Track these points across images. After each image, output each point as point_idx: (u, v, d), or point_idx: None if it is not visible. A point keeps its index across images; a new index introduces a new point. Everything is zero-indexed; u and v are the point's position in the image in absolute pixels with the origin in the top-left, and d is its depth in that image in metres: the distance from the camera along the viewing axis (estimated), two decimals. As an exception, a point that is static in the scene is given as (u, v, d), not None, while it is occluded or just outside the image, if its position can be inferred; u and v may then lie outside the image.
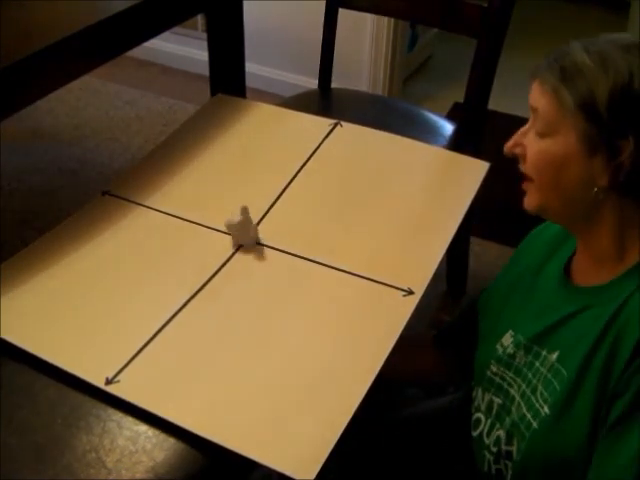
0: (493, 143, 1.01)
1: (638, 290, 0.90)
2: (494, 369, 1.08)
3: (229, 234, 1.20)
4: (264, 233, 1.21)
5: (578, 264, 1.03)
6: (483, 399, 1.09)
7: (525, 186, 0.99)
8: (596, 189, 0.91)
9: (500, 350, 1.07)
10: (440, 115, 1.94)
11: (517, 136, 0.99)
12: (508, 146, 1.00)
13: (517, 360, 1.04)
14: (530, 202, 0.99)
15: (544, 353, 0.99)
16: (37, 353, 1.00)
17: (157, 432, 0.92)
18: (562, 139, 0.92)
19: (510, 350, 1.05)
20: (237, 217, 1.15)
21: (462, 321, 1.28)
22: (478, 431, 1.08)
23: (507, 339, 1.06)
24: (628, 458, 0.85)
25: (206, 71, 1.88)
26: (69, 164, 2.62)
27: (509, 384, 1.04)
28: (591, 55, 0.89)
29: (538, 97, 0.94)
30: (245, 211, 1.15)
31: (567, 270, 1.04)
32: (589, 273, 0.99)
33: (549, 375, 0.97)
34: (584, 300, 0.96)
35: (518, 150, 0.99)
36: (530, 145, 0.96)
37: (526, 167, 0.98)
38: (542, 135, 0.94)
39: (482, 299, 1.22)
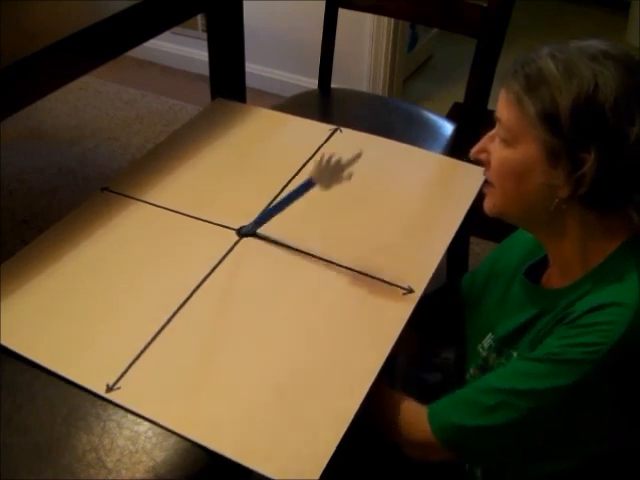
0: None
1: (592, 291, 0.90)
2: (472, 372, 1.09)
3: (228, 228, 1.20)
4: (263, 229, 1.21)
5: (548, 270, 1.04)
6: None
7: (486, 189, 0.99)
8: (557, 200, 0.90)
9: (480, 352, 1.08)
10: (440, 115, 1.94)
11: (483, 141, 0.98)
12: (473, 152, 0.99)
13: (490, 362, 1.05)
14: (490, 206, 0.99)
15: (515, 355, 1.00)
16: (37, 360, 0.99)
17: (157, 432, 0.91)
18: (524, 149, 0.91)
19: (484, 354, 1.07)
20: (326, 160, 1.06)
21: (435, 299, 1.28)
22: None
23: (487, 341, 1.07)
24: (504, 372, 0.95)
25: (206, 71, 1.88)
26: (69, 164, 2.62)
27: None
28: (557, 63, 0.87)
29: (502, 106, 0.93)
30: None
31: (537, 275, 1.04)
32: (556, 279, 1.00)
33: None
34: (547, 302, 0.97)
35: (483, 156, 0.98)
36: (494, 152, 0.95)
37: (489, 174, 0.97)
38: (505, 143, 0.93)
39: (464, 282, 1.23)
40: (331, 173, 1.06)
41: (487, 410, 0.91)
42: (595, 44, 0.89)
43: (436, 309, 1.29)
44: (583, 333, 0.86)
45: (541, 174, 0.90)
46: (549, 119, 0.87)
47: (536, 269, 1.05)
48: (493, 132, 0.96)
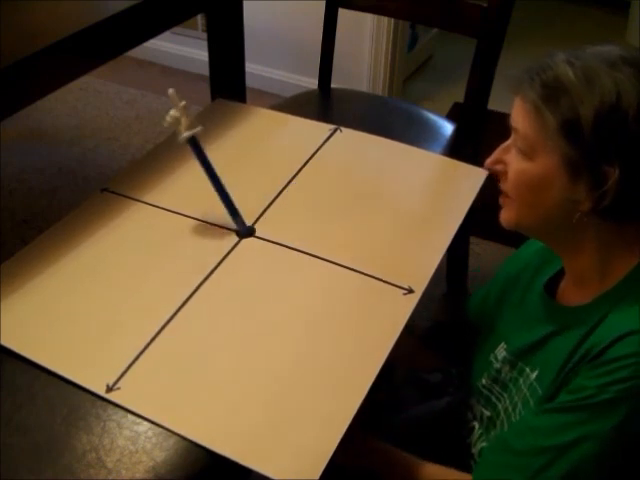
0: (493, 143, 1.00)
1: (611, 312, 0.88)
2: (484, 381, 1.08)
3: (228, 229, 1.20)
4: (264, 229, 1.21)
5: (563, 282, 1.01)
6: (477, 408, 1.09)
7: (502, 201, 0.96)
8: (579, 213, 0.87)
9: (493, 362, 1.07)
10: (440, 115, 1.94)
11: (498, 152, 0.95)
12: (488, 163, 0.96)
13: (503, 375, 1.04)
14: (506, 218, 0.96)
15: (527, 370, 0.99)
16: (37, 360, 0.99)
17: (157, 432, 0.91)
18: (543, 162, 0.87)
19: (497, 365, 1.05)
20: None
21: (450, 321, 1.28)
22: (470, 439, 1.09)
23: (500, 351, 1.06)
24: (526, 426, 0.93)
25: (206, 71, 1.88)
26: (69, 164, 2.62)
27: (497, 398, 1.04)
28: (576, 70, 0.84)
29: (519, 116, 0.90)
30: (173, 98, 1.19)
31: (553, 286, 1.02)
32: (572, 292, 0.98)
33: (528, 394, 0.97)
34: (563, 320, 0.95)
35: (499, 167, 0.95)
36: (511, 163, 0.92)
37: (506, 185, 0.94)
38: (523, 155, 0.90)
39: (473, 302, 1.22)
40: (186, 122, 1.21)
41: (540, 470, 0.88)
42: (612, 49, 0.86)
43: (440, 337, 1.29)
44: (614, 370, 0.83)
45: (561, 188, 0.87)
46: (570, 130, 0.84)
47: (553, 281, 1.02)
48: (509, 142, 0.94)
